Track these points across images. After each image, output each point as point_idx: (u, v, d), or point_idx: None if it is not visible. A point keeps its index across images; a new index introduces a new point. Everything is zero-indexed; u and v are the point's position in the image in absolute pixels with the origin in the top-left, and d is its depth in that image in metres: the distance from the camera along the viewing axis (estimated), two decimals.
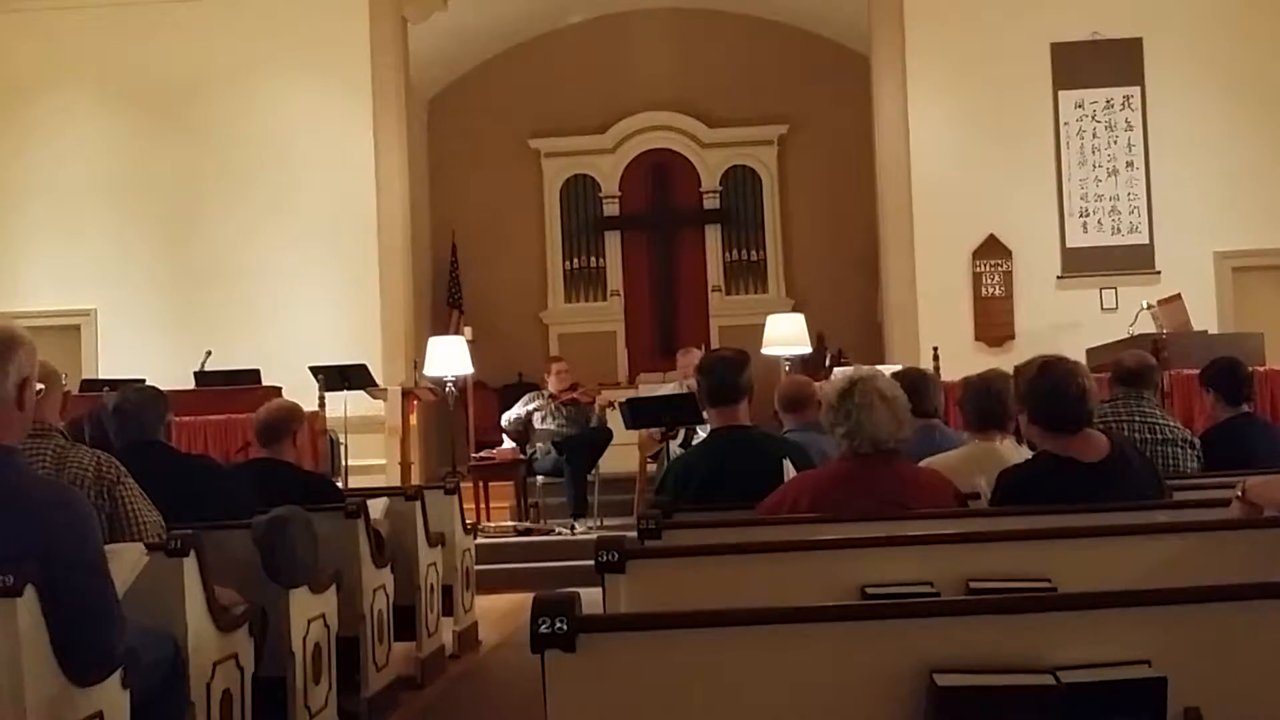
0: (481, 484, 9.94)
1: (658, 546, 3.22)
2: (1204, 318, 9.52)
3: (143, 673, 3.14)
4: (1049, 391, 3.51)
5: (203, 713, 3.67)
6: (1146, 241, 10.58)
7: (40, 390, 2.99)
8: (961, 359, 9.02)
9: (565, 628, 1.97)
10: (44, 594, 2.76)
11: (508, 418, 9.96)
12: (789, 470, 3.95)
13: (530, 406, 9.93)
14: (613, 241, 13.89)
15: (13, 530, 2.76)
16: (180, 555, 3.59)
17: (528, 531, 9.53)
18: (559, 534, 9.36)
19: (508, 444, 10.03)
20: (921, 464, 4.24)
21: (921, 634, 2.04)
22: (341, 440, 9.27)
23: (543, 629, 1.97)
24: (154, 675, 3.31)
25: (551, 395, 9.96)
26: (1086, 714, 1.94)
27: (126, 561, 3.20)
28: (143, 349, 10.58)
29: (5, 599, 2.70)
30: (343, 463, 9.22)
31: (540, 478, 9.84)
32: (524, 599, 7.60)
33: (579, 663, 1.98)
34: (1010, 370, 4.60)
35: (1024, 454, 4.32)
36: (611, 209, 13.89)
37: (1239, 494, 3.16)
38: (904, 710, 1.97)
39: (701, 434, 7.88)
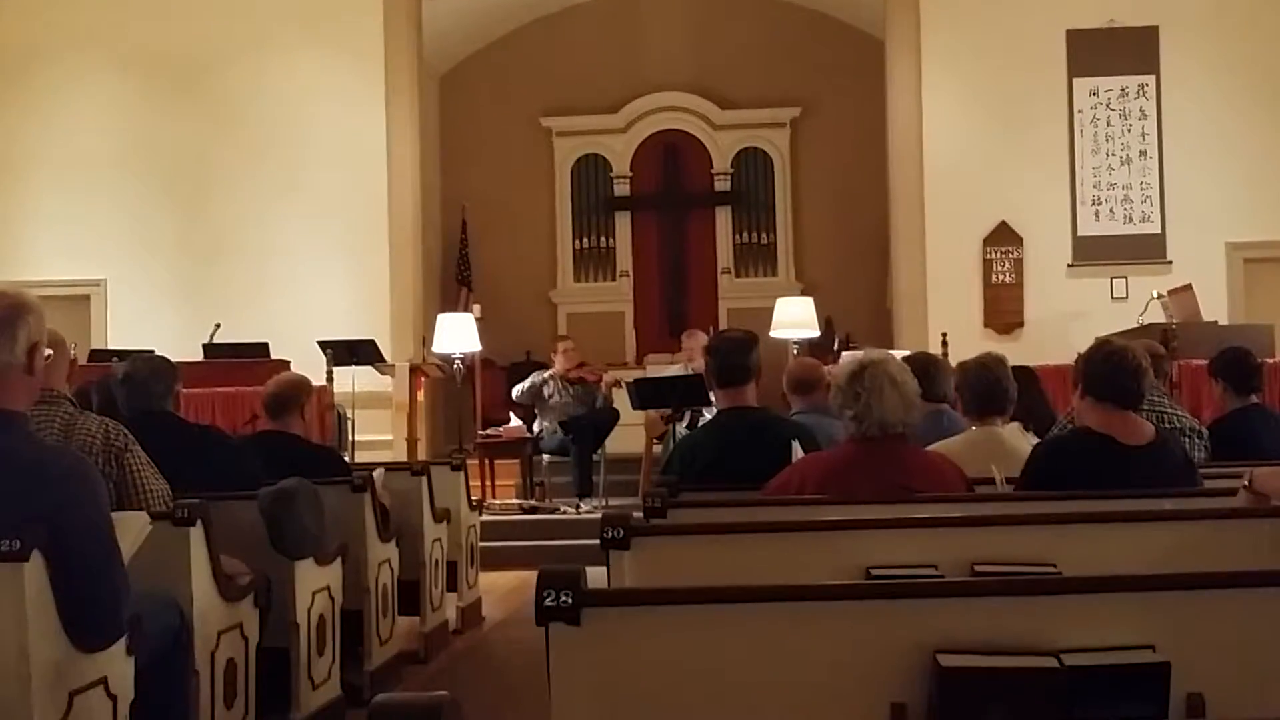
0: (487, 461, 9.96)
1: (663, 524, 3.22)
2: (1214, 308, 9.49)
3: (147, 640, 3.15)
4: (1104, 361, 3.55)
5: (207, 682, 3.68)
6: (1158, 231, 10.54)
7: (48, 356, 2.99)
8: (970, 345, 8.96)
9: (570, 601, 1.97)
10: (50, 560, 2.77)
11: (519, 389, 9.95)
12: (797, 451, 3.95)
13: (540, 378, 9.94)
14: (623, 222, 13.86)
15: (20, 495, 2.77)
16: (187, 524, 3.60)
17: (533, 510, 9.55)
18: (564, 513, 9.37)
19: (514, 422, 10.04)
20: (926, 449, 4.25)
21: (926, 614, 2.04)
22: (349, 415, 9.28)
23: (548, 602, 1.98)
24: (159, 643, 3.32)
25: (558, 375, 9.96)
26: (1090, 697, 1.94)
27: (131, 529, 3.20)
28: (152, 320, 10.60)
29: (12, 564, 2.70)
30: (350, 438, 9.23)
31: (546, 456, 9.86)
32: (528, 576, 7.61)
33: (583, 636, 1.99)
34: (1008, 357, 4.64)
35: (1030, 439, 4.34)
36: (622, 189, 13.86)
37: (1246, 483, 3.17)
38: (907, 690, 1.98)
39: (708, 415, 7.89)
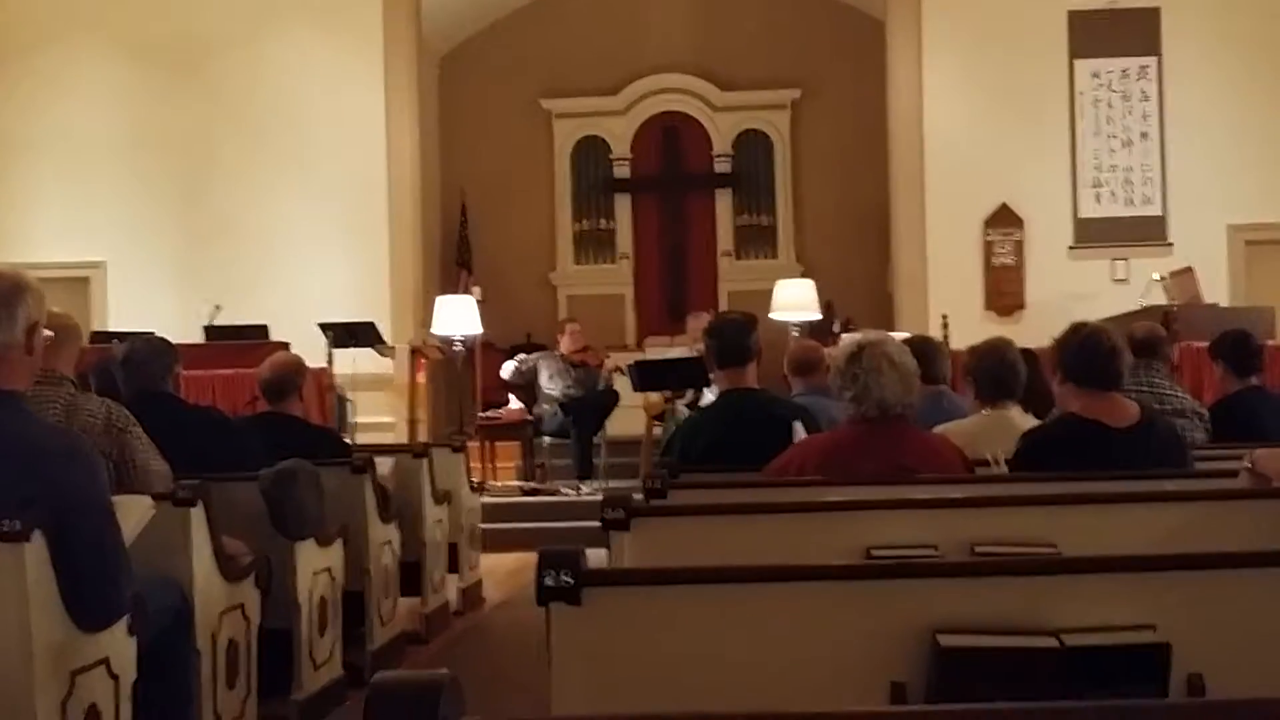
0: (488, 443, 9.97)
1: (664, 505, 3.22)
2: (1215, 290, 9.47)
3: (149, 621, 3.16)
4: (1080, 346, 3.55)
5: (208, 662, 3.69)
6: (1159, 213, 10.52)
7: (49, 336, 2.99)
8: (970, 328, 9.01)
9: (571, 581, 1.97)
10: (51, 540, 2.77)
11: (509, 366, 9.92)
12: (799, 432, 3.95)
13: (538, 359, 9.93)
14: (623, 204, 13.83)
15: (20, 476, 2.77)
16: (188, 505, 3.61)
17: (533, 491, 9.56)
18: (564, 494, 9.38)
19: (515, 404, 10.04)
20: (934, 431, 4.24)
21: (926, 594, 2.04)
22: (349, 398, 9.28)
23: (548, 582, 1.98)
24: (160, 624, 3.32)
25: (562, 355, 9.96)
26: (1089, 677, 1.94)
27: (134, 513, 3.21)
28: (152, 302, 10.58)
29: (13, 544, 2.71)
30: (350, 420, 9.24)
31: (547, 438, 9.86)
32: (528, 558, 7.62)
33: (584, 616, 1.99)
34: (1018, 340, 4.63)
35: (1029, 421, 4.33)
36: (622, 171, 13.82)
37: (1247, 465, 3.16)
38: (907, 670, 1.98)
39: (710, 397, 7.90)
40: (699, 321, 9.81)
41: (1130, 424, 3.51)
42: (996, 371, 4.36)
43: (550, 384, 9.84)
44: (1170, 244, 10.36)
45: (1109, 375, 3.53)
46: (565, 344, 10.00)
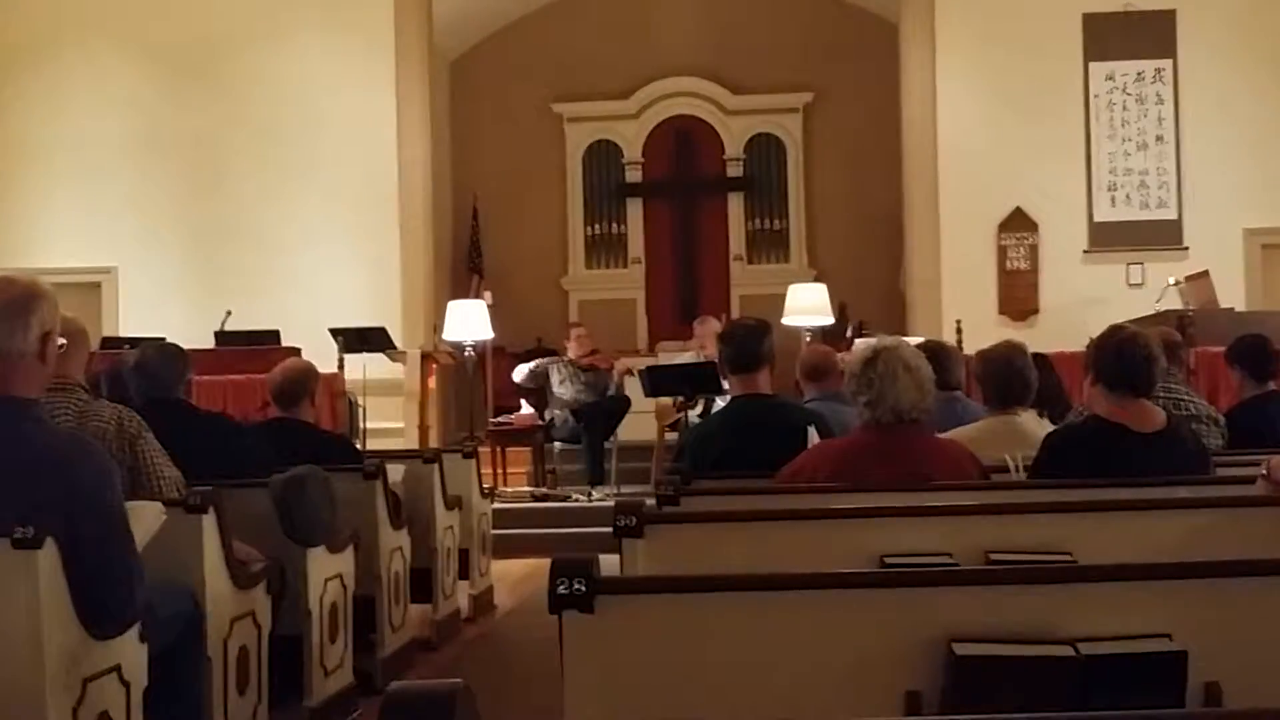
0: (499, 449, 9.96)
1: (676, 512, 3.21)
2: (1231, 294, 9.43)
3: (161, 627, 3.16)
4: (1116, 349, 3.53)
5: (219, 669, 3.69)
6: (1175, 217, 10.47)
7: (63, 344, 2.99)
8: (984, 332, 8.96)
9: (584, 589, 1.96)
10: (64, 546, 2.77)
11: (520, 373, 9.91)
12: (813, 437, 3.93)
13: (548, 364, 9.92)
14: (634, 208, 13.83)
15: (33, 483, 2.77)
16: (199, 511, 3.60)
17: (545, 497, 9.55)
18: (576, 500, 9.37)
19: (526, 409, 10.03)
20: (941, 437, 4.22)
21: (941, 603, 2.03)
22: (360, 403, 9.28)
23: (561, 590, 1.97)
24: (172, 630, 3.33)
25: (570, 361, 9.95)
26: (1106, 686, 1.93)
27: (145, 519, 3.21)
28: (163, 308, 10.60)
29: (26, 551, 2.71)
30: (361, 425, 9.23)
31: (558, 444, 9.85)
32: (539, 564, 7.63)
33: (597, 624, 1.98)
34: (1029, 344, 4.61)
35: (1045, 426, 4.31)
36: (634, 175, 13.83)
37: (1264, 472, 3.14)
38: (922, 678, 1.97)
39: (721, 403, 7.88)
40: (705, 326, 9.80)
41: (1155, 430, 3.49)
42: (1003, 378, 4.33)
43: (561, 389, 9.83)
44: (1186, 248, 10.32)
45: (1141, 381, 3.51)
46: (572, 349, 9.98)
